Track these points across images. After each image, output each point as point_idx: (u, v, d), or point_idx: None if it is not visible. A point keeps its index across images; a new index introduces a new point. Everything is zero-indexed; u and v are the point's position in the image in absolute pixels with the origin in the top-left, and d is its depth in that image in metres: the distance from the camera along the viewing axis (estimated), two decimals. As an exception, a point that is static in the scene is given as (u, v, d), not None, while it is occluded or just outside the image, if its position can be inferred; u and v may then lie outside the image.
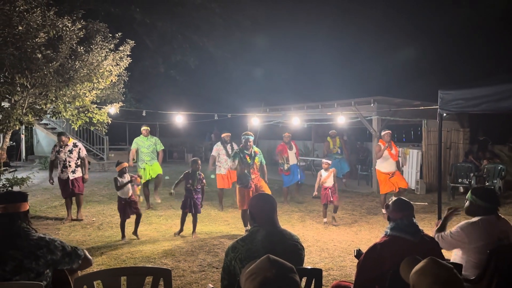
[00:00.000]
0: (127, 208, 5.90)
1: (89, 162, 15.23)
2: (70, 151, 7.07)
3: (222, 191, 8.38)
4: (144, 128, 8.26)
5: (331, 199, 6.96)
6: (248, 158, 6.25)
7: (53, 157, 7.17)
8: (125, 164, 6.03)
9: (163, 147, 8.42)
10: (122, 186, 5.83)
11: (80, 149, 7.16)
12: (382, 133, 7.85)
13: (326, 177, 7.03)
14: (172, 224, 6.90)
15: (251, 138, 6.37)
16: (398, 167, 7.73)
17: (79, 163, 7.14)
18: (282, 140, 9.22)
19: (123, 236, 5.89)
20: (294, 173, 8.95)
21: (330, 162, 7.28)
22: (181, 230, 6.15)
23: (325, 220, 7.02)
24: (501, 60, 15.97)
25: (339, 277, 4.43)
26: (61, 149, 7.07)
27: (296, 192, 9.31)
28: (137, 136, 8.41)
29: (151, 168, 8.16)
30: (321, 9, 20.31)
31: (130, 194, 5.94)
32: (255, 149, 6.45)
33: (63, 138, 7.10)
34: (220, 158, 8.31)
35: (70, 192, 7.06)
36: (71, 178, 7.02)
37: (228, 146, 8.34)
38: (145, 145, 8.16)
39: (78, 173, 7.12)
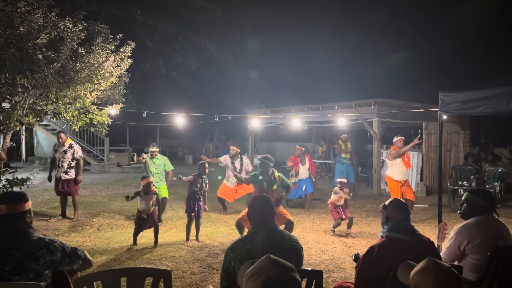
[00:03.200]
0: (142, 222, 5.68)
1: (89, 163, 15.35)
2: (65, 152, 7.16)
3: (223, 200, 7.98)
4: (152, 150, 7.35)
5: (343, 216, 6.44)
6: (265, 184, 5.69)
7: (52, 155, 7.39)
8: (151, 179, 5.83)
9: (172, 168, 7.62)
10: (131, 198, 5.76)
11: (74, 150, 7.21)
12: (395, 139, 7.56)
13: (340, 199, 6.43)
14: (172, 225, 6.90)
15: (271, 164, 5.72)
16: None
17: (72, 164, 7.19)
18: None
19: (135, 243, 5.71)
20: (299, 187, 8.52)
21: (346, 181, 6.69)
22: (188, 238, 5.88)
23: (333, 232, 6.53)
24: (503, 62, 16.00)
25: (339, 279, 4.43)
26: (58, 149, 7.22)
27: (307, 202, 8.66)
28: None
29: (157, 190, 7.51)
30: (323, 12, 20.36)
31: (150, 210, 5.69)
32: (276, 174, 5.82)
33: (62, 135, 7.19)
34: (228, 170, 7.89)
35: (60, 191, 7.21)
36: (63, 178, 7.15)
37: (237, 162, 7.86)
38: (155, 164, 7.37)
39: (71, 175, 7.18)
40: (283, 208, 5.92)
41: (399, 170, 7.37)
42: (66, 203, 7.38)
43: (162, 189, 7.32)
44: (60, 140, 7.18)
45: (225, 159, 7.98)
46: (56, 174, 7.22)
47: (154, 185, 6.89)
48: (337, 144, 10.13)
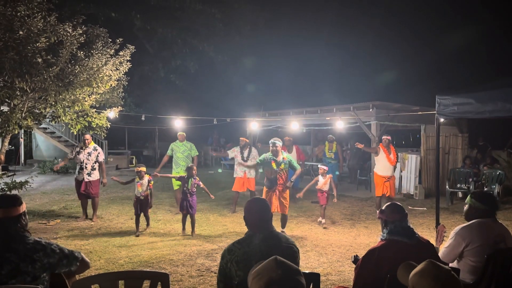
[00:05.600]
0: (138, 205, 6.44)
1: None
2: (89, 154, 7.23)
3: (238, 194, 8.45)
4: (180, 134, 8.33)
5: (326, 202, 7.21)
6: (274, 163, 6.24)
7: (71, 156, 7.38)
8: (141, 168, 6.50)
9: (197, 153, 8.41)
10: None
11: (99, 153, 7.35)
12: (382, 137, 8.10)
13: (323, 183, 7.16)
14: (170, 228, 6.90)
15: (278, 144, 6.30)
16: (394, 171, 7.98)
17: (95, 166, 7.28)
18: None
19: (137, 230, 6.41)
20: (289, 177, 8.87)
21: (326, 168, 7.34)
22: (184, 228, 6.52)
23: (323, 220, 7.19)
24: (500, 65, 16.05)
25: (337, 282, 4.43)
26: (81, 150, 7.26)
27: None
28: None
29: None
30: (321, 15, 20.45)
31: (141, 193, 6.43)
32: (284, 155, 6.34)
33: (88, 137, 7.29)
34: (236, 162, 8.50)
35: (82, 194, 7.27)
36: (85, 180, 7.20)
37: (246, 151, 8.43)
38: (180, 150, 8.20)
39: (94, 176, 7.26)
40: (288, 196, 6.44)
41: (382, 166, 7.88)
42: (87, 204, 7.48)
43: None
44: (86, 141, 7.26)
45: (233, 151, 8.57)
46: (78, 177, 7.27)
47: (182, 168, 7.91)
48: (322, 145, 10.85)
